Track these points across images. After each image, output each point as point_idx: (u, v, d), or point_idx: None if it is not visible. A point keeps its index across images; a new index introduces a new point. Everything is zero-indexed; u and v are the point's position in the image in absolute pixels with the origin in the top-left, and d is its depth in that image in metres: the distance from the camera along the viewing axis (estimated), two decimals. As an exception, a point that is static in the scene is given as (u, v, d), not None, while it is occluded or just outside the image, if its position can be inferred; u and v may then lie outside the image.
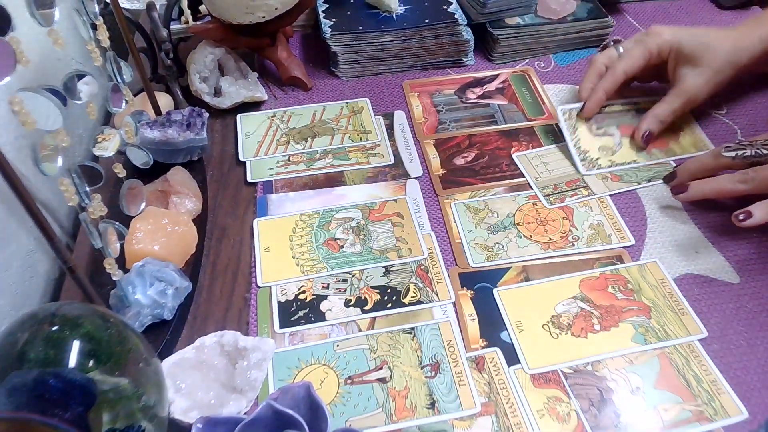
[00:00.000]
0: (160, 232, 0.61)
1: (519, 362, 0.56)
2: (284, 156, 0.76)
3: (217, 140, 0.79)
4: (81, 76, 0.54)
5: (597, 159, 0.73)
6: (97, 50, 0.57)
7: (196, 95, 0.80)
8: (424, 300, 0.61)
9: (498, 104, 0.84)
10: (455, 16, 0.86)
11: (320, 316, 0.59)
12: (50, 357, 0.39)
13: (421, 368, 0.55)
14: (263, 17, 0.75)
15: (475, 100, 0.84)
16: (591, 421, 0.52)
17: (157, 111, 0.74)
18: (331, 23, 0.86)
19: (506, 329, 0.58)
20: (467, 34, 0.87)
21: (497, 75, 0.88)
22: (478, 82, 0.87)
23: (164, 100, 0.78)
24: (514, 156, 0.75)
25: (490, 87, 0.86)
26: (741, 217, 0.61)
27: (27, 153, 0.63)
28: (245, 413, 0.52)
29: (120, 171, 0.58)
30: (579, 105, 0.76)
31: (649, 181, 0.72)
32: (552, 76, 0.88)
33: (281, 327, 0.59)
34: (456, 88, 0.86)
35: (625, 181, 0.72)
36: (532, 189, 0.71)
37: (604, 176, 0.72)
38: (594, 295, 0.61)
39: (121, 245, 0.58)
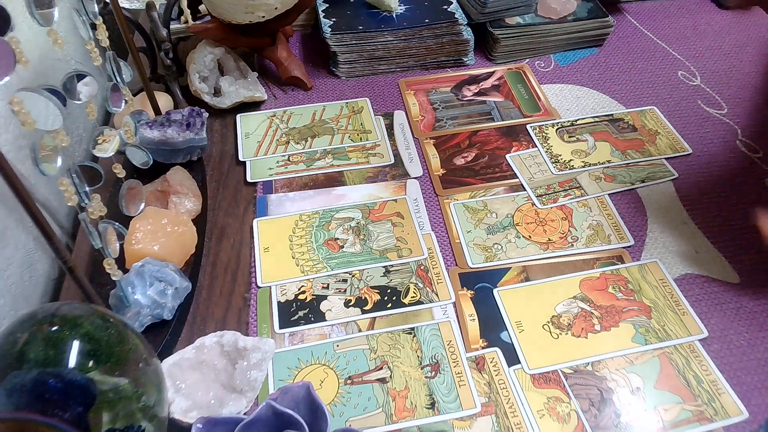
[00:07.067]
0: (160, 232, 0.61)
1: (519, 362, 0.56)
2: (284, 156, 0.76)
3: (216, 140, 0.79)
4: (80, 76, 0.53)
5: (570, 161, 0.74)
6: (96, 50, 0.57)
7: (196, 95, 0.80)
8: (424, 300, 0.61)
9: (494, 101, 0.84)
10: (455, 16, 0.86)
11: (320, 317, 0.59)
12: (50, 357, 0.39)
13: (421, 368, 0.55)
14: (263, 17, 0.75)
15: (472, 98, 0.84)
16: (591, 422, 0.52)
17: (157, 111, 0.74)
18: (331, 23, 0.86)
19: (506, 329, 0.58)
20: (467, 34, 0.87)
21: (493, 72, 0.88)
22: (474, 80, 0.87)
23: (164, 100, 0.78)
24: (507, 157, 0.75)
25: (486, 84, 0.86)
26: None
27: (26, 153, 0.63)
28: (245, 413, 0.52)
29: (119, 171, 0.58)
30: (549, 122, 0.79)
31: (643, 181, 0.72)
32: (552, 75, 0.88)
33: (281, 327, 0.59)
34: (452, 86, 0.86)
35: (618, 182, 0.72)
36: (525, 190, 0.71)
37: (597, 176, 0.72)
38: (594, 295, 0.61)
39: (121, 245, 0.58)
